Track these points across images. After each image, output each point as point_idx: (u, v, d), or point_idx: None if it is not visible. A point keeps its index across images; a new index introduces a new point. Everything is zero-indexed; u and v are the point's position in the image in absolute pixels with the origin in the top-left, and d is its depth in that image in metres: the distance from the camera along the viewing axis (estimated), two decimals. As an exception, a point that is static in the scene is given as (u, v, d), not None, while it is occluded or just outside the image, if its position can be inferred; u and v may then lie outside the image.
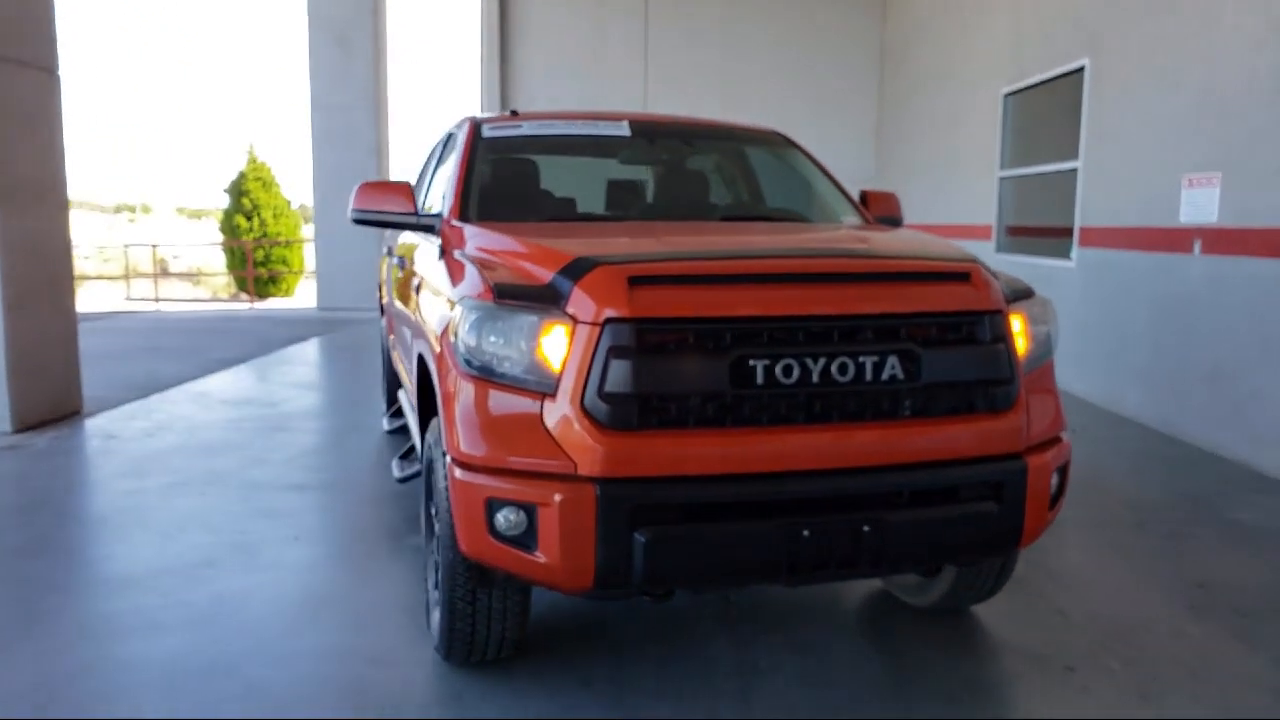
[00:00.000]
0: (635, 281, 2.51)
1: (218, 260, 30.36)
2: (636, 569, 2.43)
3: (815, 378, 2.54)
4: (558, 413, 2.49)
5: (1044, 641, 3.30)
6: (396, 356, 5.14)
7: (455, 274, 3.06)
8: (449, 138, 4.50)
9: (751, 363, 2.49)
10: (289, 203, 25.69)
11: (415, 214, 3.68)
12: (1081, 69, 8.31)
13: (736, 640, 3.25)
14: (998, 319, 2.76)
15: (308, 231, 28.91)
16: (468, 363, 2.61)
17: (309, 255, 26.87)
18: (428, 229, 3.68)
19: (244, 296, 25.13)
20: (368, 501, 4.85)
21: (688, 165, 4.27)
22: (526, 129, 3.95)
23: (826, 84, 15.10)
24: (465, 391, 2.61)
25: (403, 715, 2.76)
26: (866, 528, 2.53)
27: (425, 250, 3.83)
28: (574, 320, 2.49)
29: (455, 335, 2.67)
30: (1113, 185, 7.71)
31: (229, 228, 24.47)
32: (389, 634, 3.29)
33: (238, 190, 24.36)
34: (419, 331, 3.38)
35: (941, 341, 2.68)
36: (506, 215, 3.57)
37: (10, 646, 3.16)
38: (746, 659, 3.11)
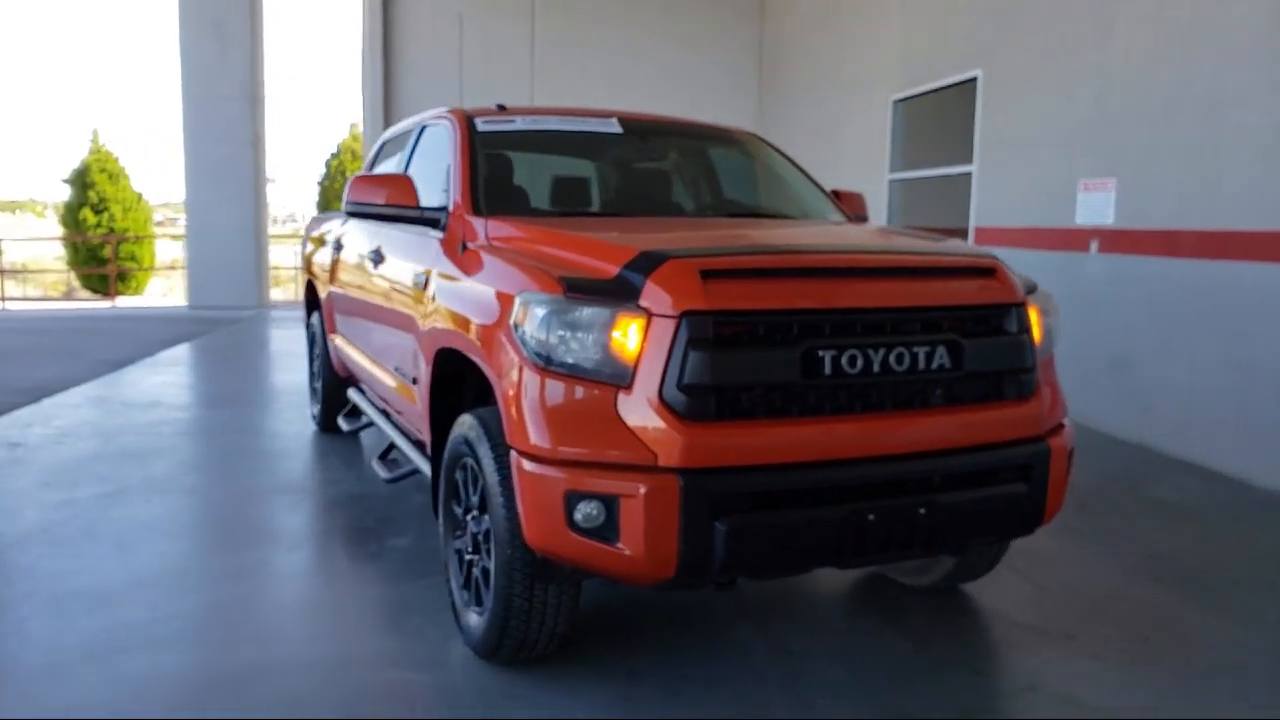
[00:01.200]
0: (708, 275, 2.55)
1: (46, 255, 28.45)
2: (716, 558, 2.48)
3: (876, 367, 2.64)
4: (634, 405, 2.50)
5: (1036, 614, 3.52)
6: (353, 353, 4.98)
7: (489, 268, 3.02)
8: (421, 130, 4.40)
9: (820, 353, 2.58)
10: (139, 195, 24.28)
11: (418, 208, 3.60)
12: (975, 79, 8.79)
13: (761, 627, 3.33)
14: (1022, 311, 2.94)
15: (168, 227, 27.43)
16: (539, 356, 2.59)
17: (161, 251, 25.61)
18: (430, 223, 3.61)
19: (82, 295, 23.57)
20: (328, 504, 4.69)
21: (679, 163, 4.33)
22: (520, 124, 3.92)
23: (708, 85, 15.34)
24: (536, 385, 2.59)
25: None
26: (922, 510, 2.66)
27: (419, 244, 3.74)
28: (648, 313, 2.51)
29: (521, 329, 2.65)
30: (1008, 188, 8.20)
31: (73, 222, 22.90)
32: (408, 637, 3.21)
33: (82, 182, 22.83)
34: (437, 327, 3.31)
35: (979, 332, 2.84)
36: (517, 209, 3.54)
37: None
38: (777, 643, 3.20)
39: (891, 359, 2.67)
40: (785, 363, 2.55)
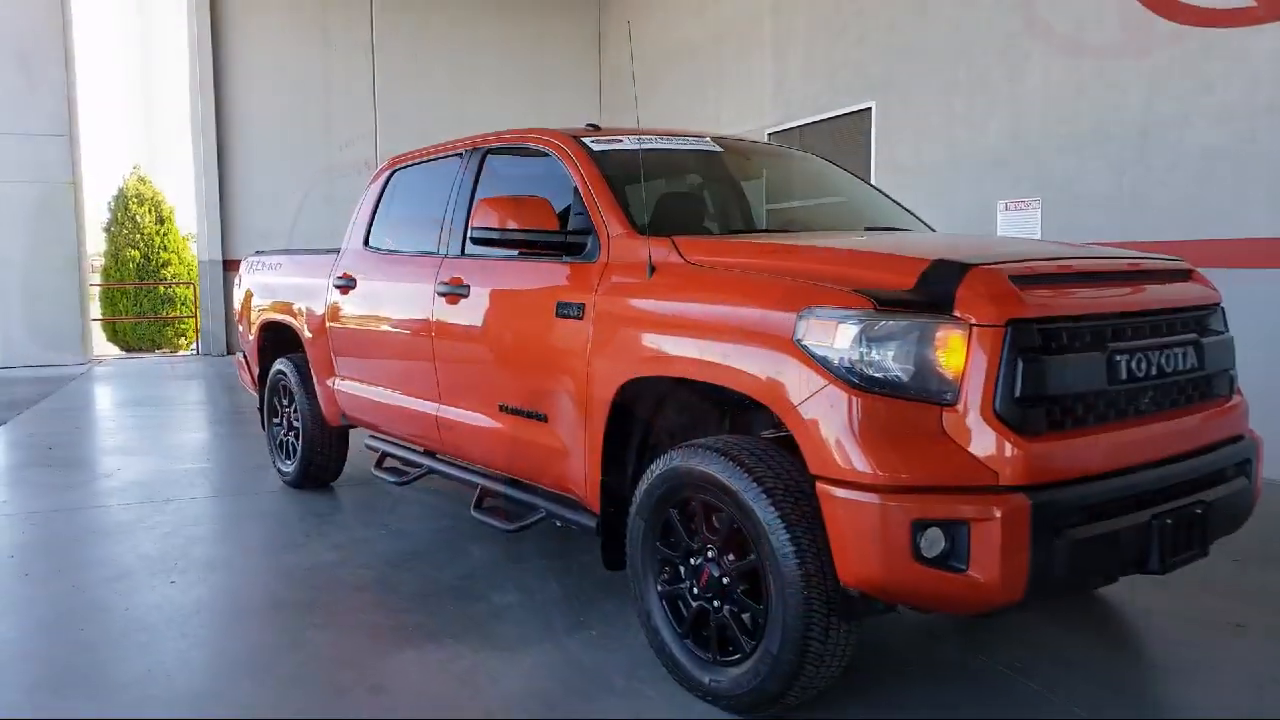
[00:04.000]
0: (1019, 282, 2.49)
1: None
2: (1057, 574, 2.39)
3: (1154, 370, 2.67)
4: (964, 422, 2.39)
5: (1175, 604, 3.65)
6: (383, 395, 4.52)
7: (727, 289, 2.82)
8: (484, 155, 4.09)
9: (1118, 358, 2.57)
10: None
11: (562, 231, 3.32)
12: (868, 109, 9.21)
13: (917, 647, 3.27)
14: (1223, 311, 3.07)
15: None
16: (851, 375, 2.42)
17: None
18: (574, 249, 3.34)
19: None
20: (386, 565, 4.17)
21: (785, 182, 4.24)
22: (629, 144, 3.70)
23: (550, 119, 15.23)
24: (852, 408, 2.42)
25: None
26: (1198, 510, 2.69)
27: (543, 273, 3.47)
28: (968, 324, 2.41)
29: (820, 348, 2.47)
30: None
31: None
32: (631, 699, 2.90)
33: None
34: (622, 358, 3.05)
35: (1207, 331, 2.94)
36: (681, 229, 3.33)
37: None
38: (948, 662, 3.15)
39: (1163, 360, 2.70)
40: (1094, 369, 2.53)
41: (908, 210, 4.27)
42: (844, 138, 9.66)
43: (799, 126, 10.34)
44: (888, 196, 4.35)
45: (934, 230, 4.15)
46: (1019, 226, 7.43)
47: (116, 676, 3.11)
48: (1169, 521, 2.58)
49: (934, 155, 8.32)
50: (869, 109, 9.25)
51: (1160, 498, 2.62)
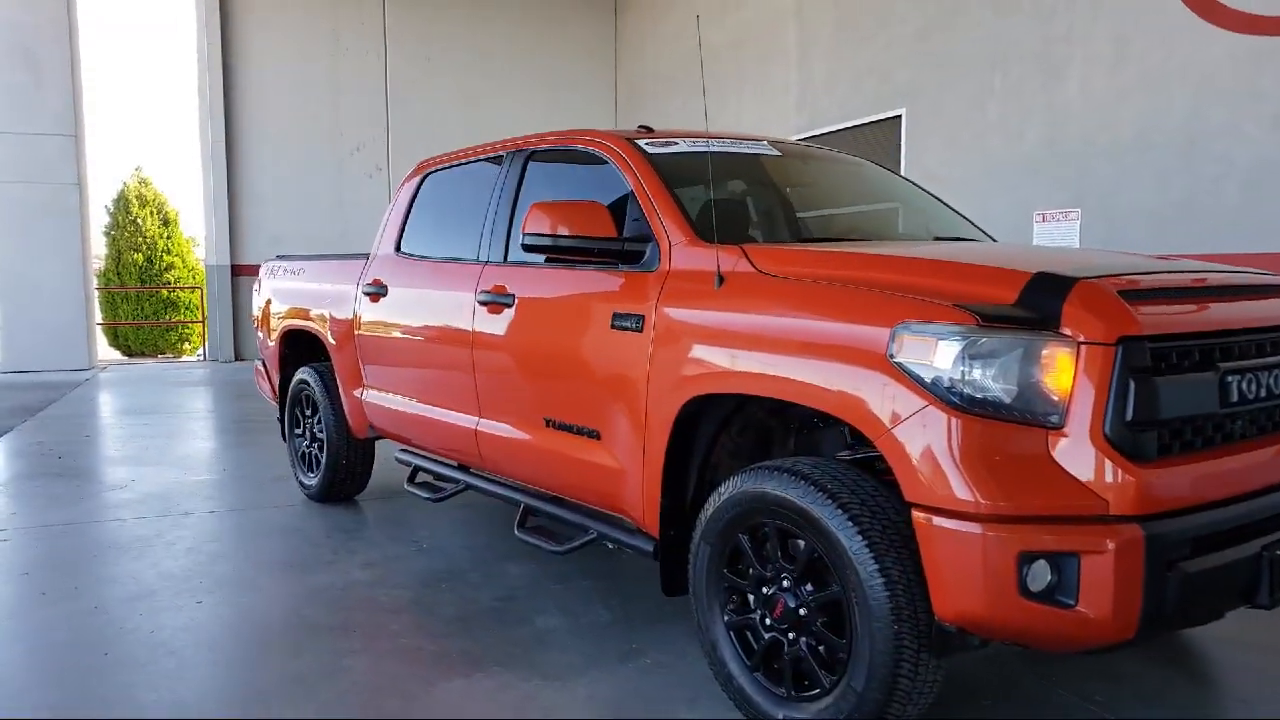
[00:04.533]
0: (1127, 297, 2.33)
1: None
2: (1170, 610, 2.23)
3: (1263, 391, 2.51)
4: (1072, 446, 2.23)
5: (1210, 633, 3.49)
6: (414, 408, 4.35)
7: (808, 300, 2.65)
8: (528, 158, 3.93)
9: (1229, 379, 2.42)
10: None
11: (621, 239, 3.16)
12: (898, 117, 9.07)
13: (1001, 674, 3.10)
14: (1318, 329, 2.90)
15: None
16: (952, 395, 2.26)
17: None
18: (630, 257, 3.18)
19: None
20: (420, 584, 4.02)
21: (843, 187, 4.08)
22: (685, 146, 3.55)
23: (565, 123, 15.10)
24: (954, 431, 2.25)
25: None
26: (1304, 541, 2.52)
27: (592, 282, 3.32)
28: (1076, 342, 2.25)
29: (917, 365, 2.31)
30: (948, 221, 8.46)
31: None
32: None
33: None
34: (685, 374, 2.89)
35: (1308, 351, 2.77)
36: (739, 236, 3.17)
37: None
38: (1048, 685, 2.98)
39: (1271, 381, 2.54)
40: (1207, 390, 2.37)
41: (967, 219, 4.11)
42: (872, 145, 9.53)
43: (825, 134, 10.21)
44: (946, 205, 4.19)
45: (996, 240, 3.99)
46: (1055, 238, 7.28)
47: (146, 706, 2.93)
48: (1279, 553, 2.42)
49: (967, 164, 8.18)
50: (898, 116, 9.11)
51: (1269, 527, 2.46)
